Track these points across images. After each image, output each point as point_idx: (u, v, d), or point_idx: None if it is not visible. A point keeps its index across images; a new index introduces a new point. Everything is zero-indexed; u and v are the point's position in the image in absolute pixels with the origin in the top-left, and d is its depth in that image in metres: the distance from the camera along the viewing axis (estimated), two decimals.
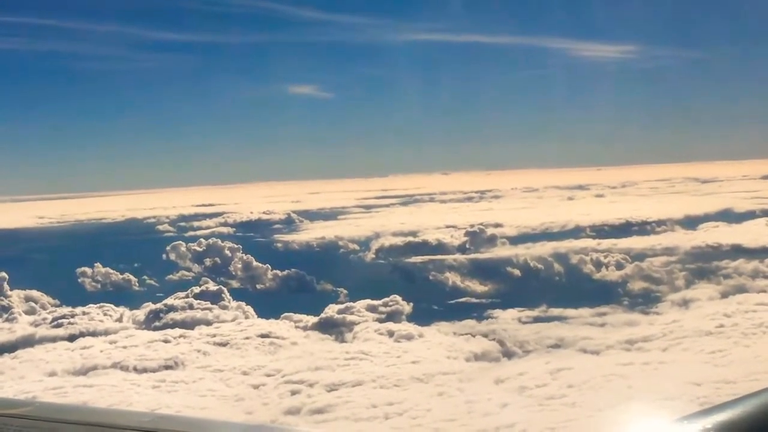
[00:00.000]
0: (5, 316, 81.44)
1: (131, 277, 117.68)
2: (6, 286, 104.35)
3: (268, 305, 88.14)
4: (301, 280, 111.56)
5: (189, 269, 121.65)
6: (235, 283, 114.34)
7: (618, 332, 68.33)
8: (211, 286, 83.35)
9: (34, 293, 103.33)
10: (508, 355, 65.07)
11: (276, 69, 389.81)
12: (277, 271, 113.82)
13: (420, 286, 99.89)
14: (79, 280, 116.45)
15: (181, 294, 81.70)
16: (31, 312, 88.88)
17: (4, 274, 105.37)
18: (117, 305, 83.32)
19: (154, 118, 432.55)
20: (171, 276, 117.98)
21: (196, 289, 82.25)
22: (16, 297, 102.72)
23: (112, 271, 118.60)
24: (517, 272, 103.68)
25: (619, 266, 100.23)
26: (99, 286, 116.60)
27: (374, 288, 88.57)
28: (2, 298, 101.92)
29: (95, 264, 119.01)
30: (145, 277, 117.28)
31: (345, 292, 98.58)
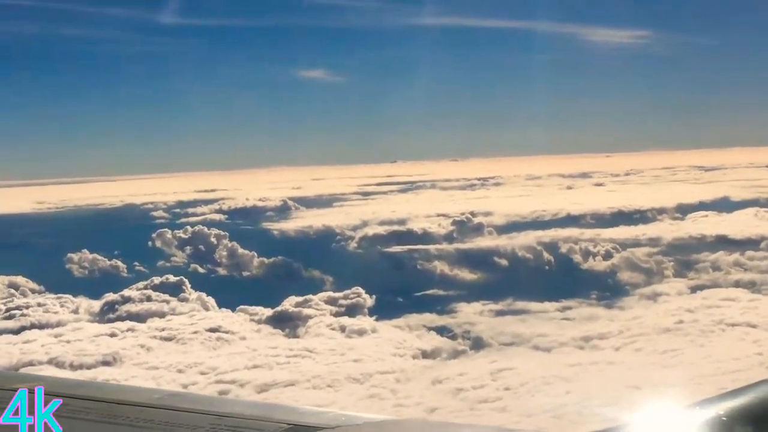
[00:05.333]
0: None
1: (119, 263, 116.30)
2: None
3: (250, 293, 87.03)
4: (288, 268, 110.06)
5: (174, 256, 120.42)
6: (222, 271, 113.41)
7: (577, 328, 66.27)
8: (172, 278, 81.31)
9: (19, 279, 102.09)
10: (457, 352, 63.15)
11: (286, 53, 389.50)
12: (264, 259, 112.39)
13: (392, 276, 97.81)
14: (67, 267, 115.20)
15: (141, 285, 79.99)
16: (9, 299, 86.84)
17: None
18: (79, 294, 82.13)
19: (162, 103, 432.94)
20: (162, 263, 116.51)
21: (156, 280, 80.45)
22: None
23: (99, 257, 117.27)
24: (494, 263, 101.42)
25: (597, 258, 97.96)
26: (86, 272, 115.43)
27: (346, 278, 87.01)
28: None
29: (82, 250, 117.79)
30: (136, 263, 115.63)
31: (331, 280, 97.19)
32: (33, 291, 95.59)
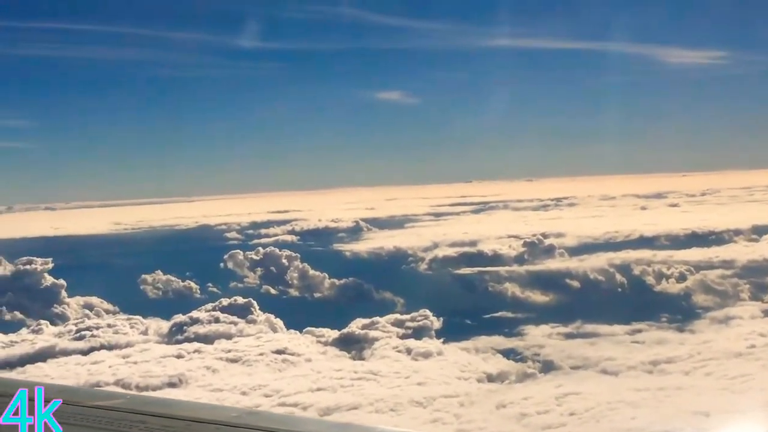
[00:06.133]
0: (32, 327, 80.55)
1: (192, 284, 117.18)
2: (64, 293, 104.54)
3: (320, 315, 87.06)
4: (359, 290, 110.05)
5: (247, 277, 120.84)
6: (293, 292, 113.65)
7: (645, 352, 65.16)
8: (240, 299, 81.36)
9: (94, 300, 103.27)
10: (524, 376, 62.36)
11: (363, 75, 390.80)
12: (335, 280, 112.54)
13: (462, 298, 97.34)
14: (141, 288, 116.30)
15: (209, 306, 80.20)
16: (80, 320, 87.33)
17: (62, 281, 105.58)
18: (153, 315, 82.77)
19: (239, 125, 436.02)
20: (235, 284, 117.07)
21: (225, 302, 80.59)
22: (74, 304, 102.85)
23: (173, 278, 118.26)
24: (565, 285, 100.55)
25: (670, 280, 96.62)
26: (160, 293, 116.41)
27: (416, 300, 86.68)
28: (56, 305, 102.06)
29: (156, 271, 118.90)
30: (209, 284, 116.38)
31: (402, 302, 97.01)
32: (107, 312, 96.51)
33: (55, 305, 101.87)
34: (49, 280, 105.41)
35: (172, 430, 5.90)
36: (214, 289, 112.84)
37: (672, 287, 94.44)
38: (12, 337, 76.64)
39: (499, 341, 74.40)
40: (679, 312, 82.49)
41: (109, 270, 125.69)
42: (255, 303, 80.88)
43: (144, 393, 58.07)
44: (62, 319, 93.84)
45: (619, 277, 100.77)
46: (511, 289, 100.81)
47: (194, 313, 78.36)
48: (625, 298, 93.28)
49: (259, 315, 78.59)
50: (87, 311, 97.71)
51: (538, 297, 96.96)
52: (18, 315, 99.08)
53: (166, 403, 6.91)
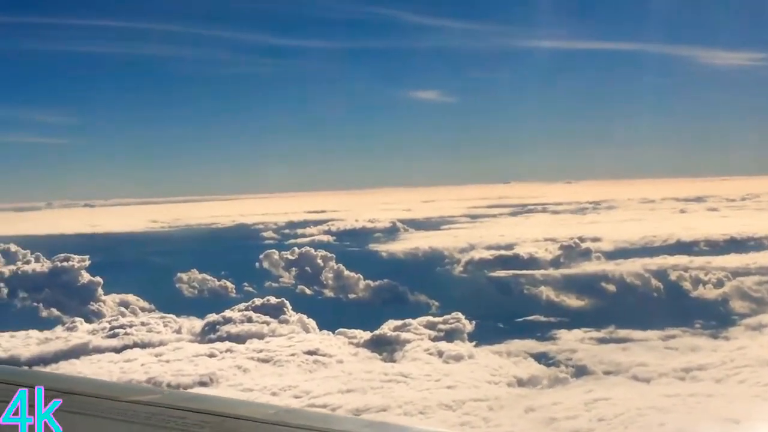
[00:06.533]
0: (67, 324, 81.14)
1: (228, 283, 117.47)
2: (101, 290, 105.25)
3: (353, 316, 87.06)
4: (393, 291, 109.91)
5: (282, 277, 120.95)
6: (328, 293, 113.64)
7: (678, 358, 64.75)
8: (273, 299, 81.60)
9: (130, 297, 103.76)
10: (554, 380, 62.08)
11: (399, 74, 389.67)
12: (369, 282, 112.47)
13: (495, 301, 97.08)
14: (177, 286, 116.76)
15: (242, 306, 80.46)
16: (115, 318, 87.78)
17: (99, 279, 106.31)
18: (189, 314, 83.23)
19: (275, 123, 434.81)
20: (270, 283, 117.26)
21: (258, 302, 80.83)
22: (110, 301, 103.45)
23: (209, 277, 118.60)
24: (600, 289, 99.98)
25: (707, 286, 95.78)
26: (196, 292, 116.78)
27: (450, 302, 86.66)
28: (93, 303, 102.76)
29: (192, 270, 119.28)
30: (245, 284, 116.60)
31: (436, 304, 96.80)
32: (143, 310, 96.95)
33: (91, 302, 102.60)
34: (86, 277, 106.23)
35: (209, 427, 5.92)
36: (250, 289, 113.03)
37: (708, 293, 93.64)
38: (47, 334, 77.32)
39: (532, 345, 74.14)
40: (714, 318, 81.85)
41: (146, 268, 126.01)
42: (288, 303, 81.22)
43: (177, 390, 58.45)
44: (98, 316, 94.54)
45: (654, 282, 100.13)
46: (546, 292, 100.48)
47: (227, 313, 78.77)
48: (660, 303, 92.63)
49: (291, 315, 78.86)
50: (123, 309, 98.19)
51: (572, 301, 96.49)
52: (54, 312, 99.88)
53: (202, 398, 7.00)
